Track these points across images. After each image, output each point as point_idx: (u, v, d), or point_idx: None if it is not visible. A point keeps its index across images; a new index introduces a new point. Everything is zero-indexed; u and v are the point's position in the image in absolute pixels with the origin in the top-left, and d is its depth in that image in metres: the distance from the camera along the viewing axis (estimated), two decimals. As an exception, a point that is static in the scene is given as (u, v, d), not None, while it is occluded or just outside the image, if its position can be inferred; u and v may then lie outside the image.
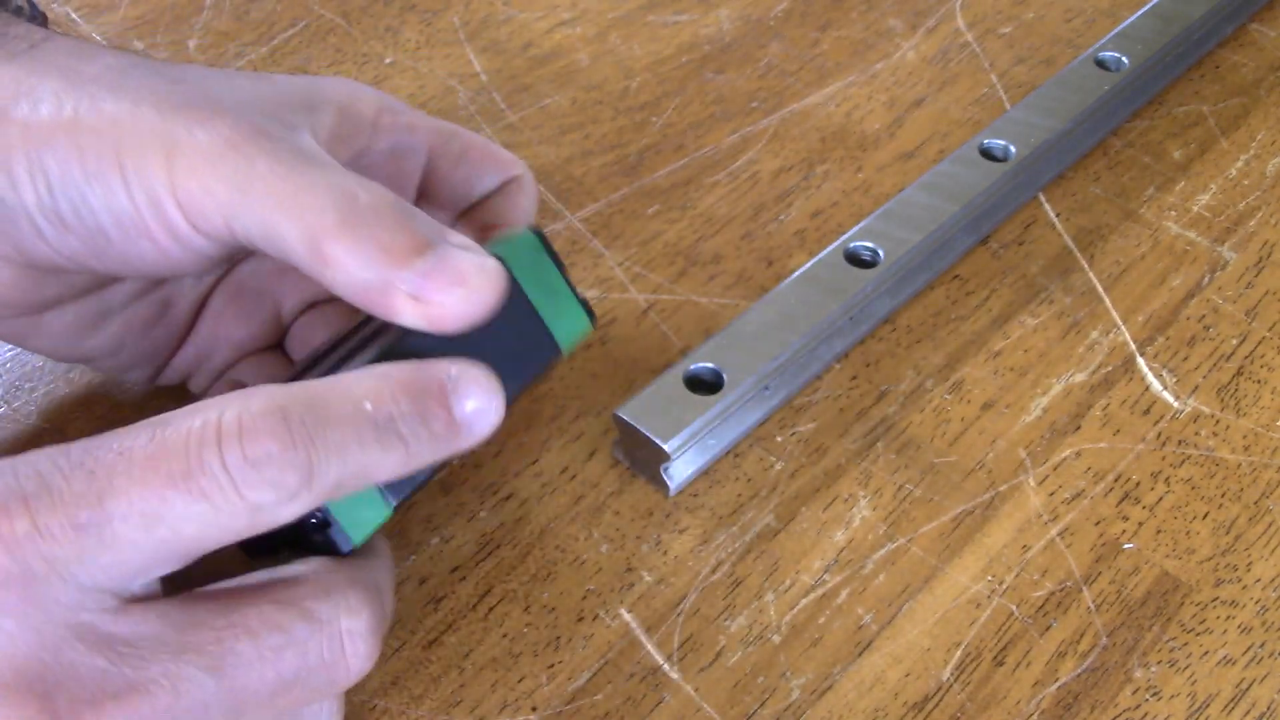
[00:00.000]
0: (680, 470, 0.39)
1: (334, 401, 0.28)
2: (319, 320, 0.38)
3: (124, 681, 0.26)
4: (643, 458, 0.39)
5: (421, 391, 0.29)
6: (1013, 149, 0.48)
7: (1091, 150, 0.52)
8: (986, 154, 0.49)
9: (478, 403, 0.30)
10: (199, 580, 0.28)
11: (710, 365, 0.40)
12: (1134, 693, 0.35)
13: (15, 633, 0.26)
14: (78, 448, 0.27)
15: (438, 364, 0.29)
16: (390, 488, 0.31)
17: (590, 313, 0.35)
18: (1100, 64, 0.52)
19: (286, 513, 0.27)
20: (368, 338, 0.32)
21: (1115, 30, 0.54)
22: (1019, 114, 0.50)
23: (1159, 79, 0.54)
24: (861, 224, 0.45)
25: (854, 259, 0.44)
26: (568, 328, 0.34)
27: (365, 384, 0.28)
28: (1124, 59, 0.52)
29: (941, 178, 0.47)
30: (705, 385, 0.40)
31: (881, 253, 0.44)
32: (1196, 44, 0.55)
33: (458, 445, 0.29)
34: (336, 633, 0.28)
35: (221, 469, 0.26)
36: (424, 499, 0.39)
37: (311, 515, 0.30)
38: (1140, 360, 0.44)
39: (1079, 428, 0.42)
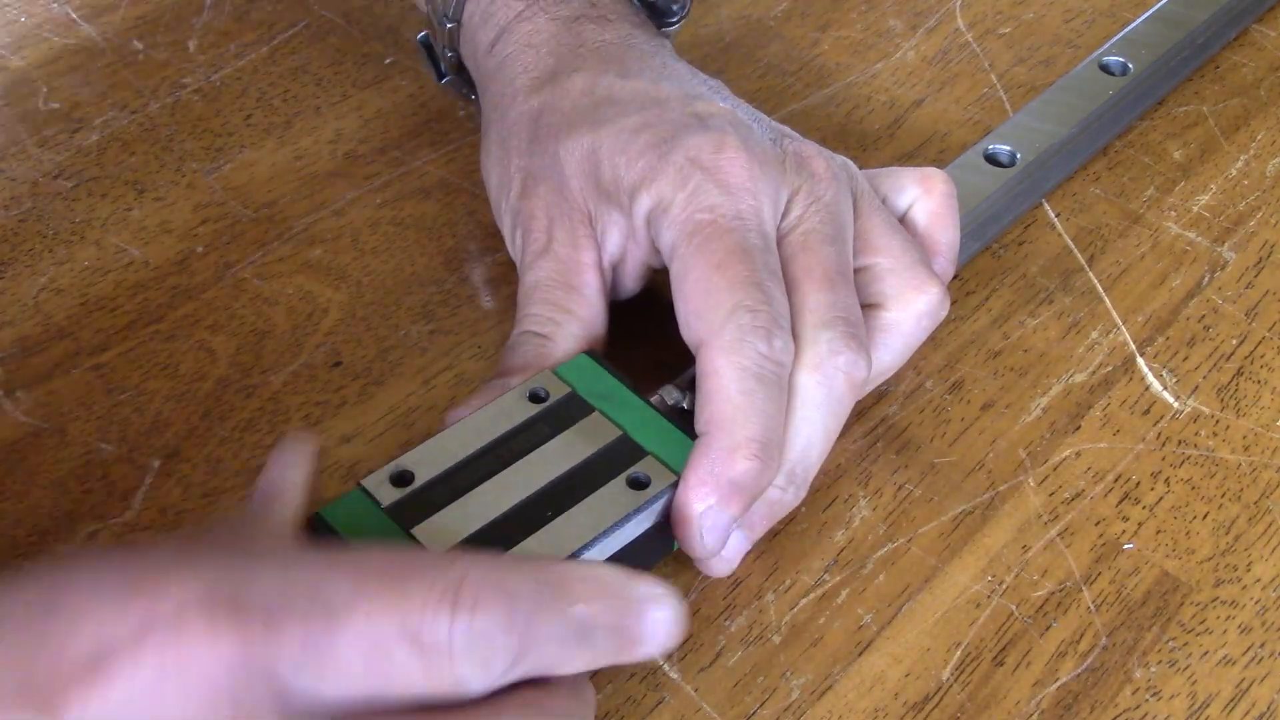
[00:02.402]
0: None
1: (550, 596, 0.28)
2: None
3: None
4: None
5: (623, 608, 0.29)
6: (1018, 154, 0.48)
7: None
8: (992, 159, 0.48)
9: (666, 627, 0.30)
10: None
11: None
12: (1134, 693, 0.35)
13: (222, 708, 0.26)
14: (309, 560, 0.28)
15: (640, 584, 0.30)
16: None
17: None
18: (1105, 68, 0.52)
19: (478, 687, 0.28)
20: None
21: (1119, 35, 0.54)
22: (1024, 119, 0.50)
23: (1163, 83, 0.54)
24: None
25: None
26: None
27: (579, 585, 0.29)
28: (1129, 64, 0.52)
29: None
30: None
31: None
32: (1201, 48, 0.55)
33: (631, 659, 0.30)
34: None
35: (448, 636, 0.27)
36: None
37: None
38: (1140, 360, 0.44)
39: (1079, 428, 0.42)
